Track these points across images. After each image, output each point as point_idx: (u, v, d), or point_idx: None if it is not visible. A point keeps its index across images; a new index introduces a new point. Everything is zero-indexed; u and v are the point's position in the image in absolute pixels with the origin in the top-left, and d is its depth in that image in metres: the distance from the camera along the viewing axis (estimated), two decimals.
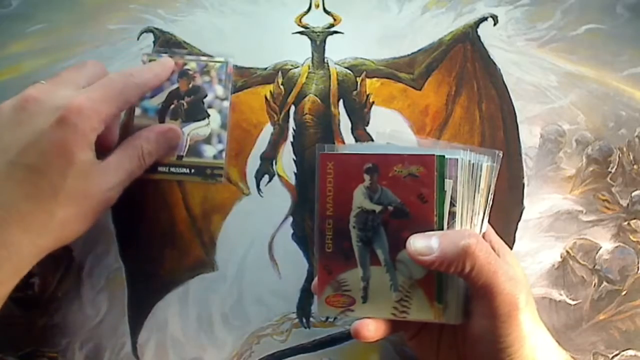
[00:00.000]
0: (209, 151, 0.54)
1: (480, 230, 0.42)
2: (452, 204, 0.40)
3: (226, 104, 0.55)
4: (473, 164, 0.41)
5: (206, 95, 0.55)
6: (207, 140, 0.54)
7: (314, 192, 0.41)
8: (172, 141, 0.51)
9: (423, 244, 0.38)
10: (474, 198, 0.41)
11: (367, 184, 0.39)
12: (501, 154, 0.41)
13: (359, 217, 0.39)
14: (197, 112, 0.54)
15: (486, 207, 0.42)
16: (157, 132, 0.50)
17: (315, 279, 0.43)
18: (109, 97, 0.44)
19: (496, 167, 0.41)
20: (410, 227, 0.39)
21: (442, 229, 0.40)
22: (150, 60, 0.55)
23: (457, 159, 0.40)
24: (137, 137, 0.48)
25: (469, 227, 0.41)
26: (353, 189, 0.40)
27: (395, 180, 0.39)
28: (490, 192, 0.41)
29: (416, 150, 0.42)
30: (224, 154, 0.54)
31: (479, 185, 0.41)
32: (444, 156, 0.40)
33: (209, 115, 0.54)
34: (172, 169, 0.53)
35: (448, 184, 0.40)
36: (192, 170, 0.53)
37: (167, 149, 0.51)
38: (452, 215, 0.40)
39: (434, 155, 0.39)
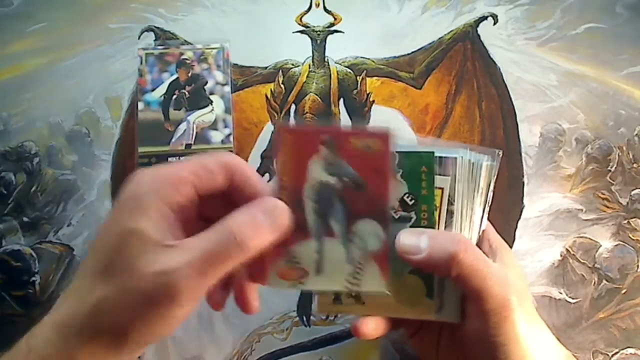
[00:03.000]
0: (217, 137, 0.54)
1: (480, 229, 0.42)
2: (450, 202, 0.40)
3: (227, 88, 0.55)
4: (473, 162, 0.41)
5: (206, 82, 0.55)
6: (213, 126, 0.54)
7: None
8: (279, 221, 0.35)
9: (412, 242, 0.38)
10: (474, 197, 0.41)
11: (324, 155, 0.38)
12: (501, 153, 0.41)
13: (314, 188, 0.38)
14: (199, 100, 0.55)
15: (485, 205, 0.42)
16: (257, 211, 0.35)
17: None
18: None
19: (496, 166, 0.41)
20: (366, 199, 0.38)
21: (433, 226, 0.40)
22: (146, 55, 0.55)
23: (456, 158, 0.40)
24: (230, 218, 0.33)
25: (468, 225, 0.41)
26: (309, 161, 0.39)
27: (351, 152, 0.38)
28: (490, 191, 0.41)
29: (412, 147, 0.42)
30: (231, 138, 0.54)
31: (479, 184, 0.41)
32: (433, 152, 0.40)
33: (211, 102, 0.55)
34: (182, 159, 0.53)
35: (442, 181, 0.40)
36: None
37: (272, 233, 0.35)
38: (450, 213, 0.40)
39: (388, 129, 0.39)
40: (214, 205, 0.36)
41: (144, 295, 0.30)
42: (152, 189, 0.33)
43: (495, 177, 0.41)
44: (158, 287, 0.30)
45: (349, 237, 0.38)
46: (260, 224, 0.33)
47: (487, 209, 0.42)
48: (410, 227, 0.40)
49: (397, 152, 0.40)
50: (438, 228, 0.40)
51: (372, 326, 0.41)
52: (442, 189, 0.41)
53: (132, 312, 0.31)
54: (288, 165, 0.39)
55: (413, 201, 0.40)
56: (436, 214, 0.40)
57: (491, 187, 0.41)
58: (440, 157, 0.40)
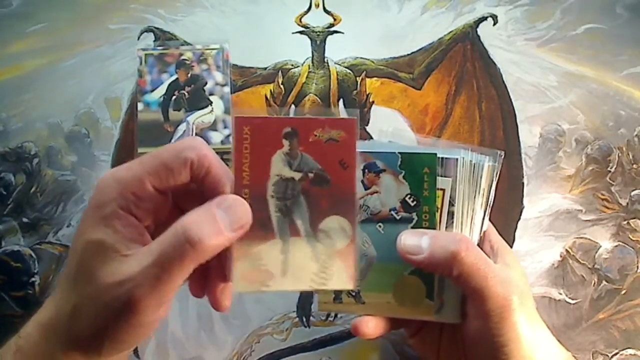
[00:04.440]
0: (216, 137, 0.54)
1: (481, 229, 0.42)
2: (451, 204, 0.41)
3: (227, 89, 0.55)
4: (474, 163, 0.41)
5: (206, 83, 0.55)
6: (213, 126, 0.54)
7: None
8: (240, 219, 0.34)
9: (413, 243, 0.39)
10: (475, 197, 0.41)
11: (286, 149, 0.36)
12: (502, 154, 0.41)
13: (277, 185, 0.36)
14: (199, 101, 0.55)
15: (487, 206, 0.42)
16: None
17: None
18: None
19: (497, 167, 0.42)
20: (332, 194, 0.37)
21: (435, 227, 0.40)
22: (146, 55, 0.55)
23: (457, 159, 0.40)
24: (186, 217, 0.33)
25: (469, 226, 0.41)
26: (271, 156, 0.37)
27: (315, 145, 0.36)
28: (492, 192, 0.41)
29: (415, 149, 0.42)
30: (231, 139, 0.54)
31: (480, 185, 0.41)
32: (435, 154, 0.40)
33: (211, 102, 0.55)
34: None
35: (444, 182, 0.40)
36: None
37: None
38: (450, 214, 0.41)
39: (354, 118, 0.37)
40: (187, 196, 0.35)
41: (106, 306, 0.31)
42: (114, 197, 0.32)
43: (497, 177, 0.41)
44: (117, 297, 0.30)
45: (315, 235, 0.37)
46: (218, 222, 0.32)
47: (488, 209, 0.42)
48: (412, 228, 0.40)
49: (399, 153, 0.40)
50: (439, 229, 0.40)
51: (372, 326, 0.41)
52: (443, 190, 0.41)
53: (101, 321, 0.31)
54: (248, 161, 0.36)
55: (415, 202, 0.40)
56: (437, 215, 0.40)
57: (493, 188, 0.41)
58: (442, 158, 0.40)
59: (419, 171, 0.40)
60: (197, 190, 0.34)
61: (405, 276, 0.41)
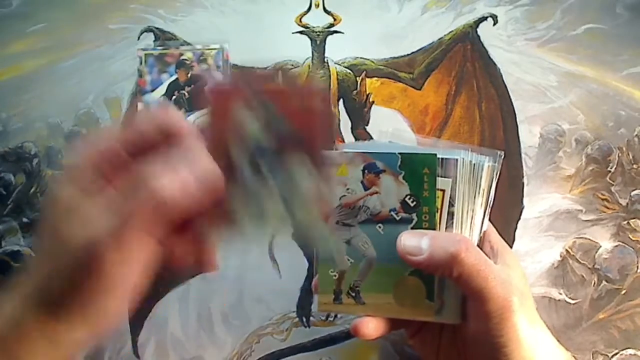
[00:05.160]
0: None
1: (481, 230, 0.42)
2: (451, 204, 0.40)
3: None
4: (474, 164, 0.41)
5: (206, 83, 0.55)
6: None
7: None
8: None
9: (413, 244, 0.39)
10: (475, 198, 0.41)
11: (251, 105, 0.37)
12: (502, 154, 0.41)
13: (245, 140, 0.37)
14: (199, 101, 0.55)
15: (487, 207, 0.42)
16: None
17: (315, 277, 0.43)
18: None
19: (497, 167, 0.41)
20: (296, 145, 0.37)
21: (434, 228, 0.40)
22: (145, 55, 0.55)
23: (457, 159, 0.40)
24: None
25: (469, 227, 0.41)
26: (237, 113, 0.37)
27: (276, 96, 0.37)
28: (492, 192, 0.41)
29: (415, 149, 0.42)
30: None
31: (480, 185, 0.41)
32: (435, 154, 0.40)
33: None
34: None
35: (444, 182, 0.40)
36: None
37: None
38: (450, 215, 0.40)
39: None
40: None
41: (71, 260, 0.30)
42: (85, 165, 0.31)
43: (497, 178, 0.41)
44: (81, 248, 0.30)
45: (283, 183, 0.37)
46: (188, 183, 0.30)
47: (488, 210, 0.42)
48: (411, 228, 0.40)
49: (399, 153, 0.40)
50: (439, 229, 0.40)
51: (372, 327, 0.41)
52: (443, 190, 0.41)
53: (66, 280, 0.30)
54: (216, 121, 0.37)
55: (415, 203, 0.40)
56: (437, 215, 0.40)
57: (492, 188, 0.41)
58: (441, 159, 0.40)
59: (418, 172, 0.40)
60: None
61: (405, 277, 0.41)
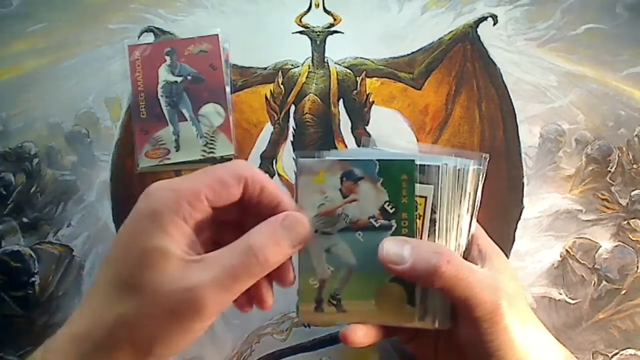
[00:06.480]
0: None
1: (469, 234, 0.41)
2: (433, 211, 0.40)
3: (227, 89, 0.55)
4: (459, 169, 0.40)
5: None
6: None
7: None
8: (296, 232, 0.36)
9: (395, 251, 0.38)
10: (460, 203, 0.40)
11: (169, 62, 0.54)
12: (487, 157, 0.41)
13: (164, 87, 0.54)
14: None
15: (474, 210, 0.41)
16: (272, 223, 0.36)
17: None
18: None
19: (483, 170, 0.41)
20: (206, 89, 0.54)
21: (413, 235, 0.39)
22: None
23: (439, 166, 0.40)
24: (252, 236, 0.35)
25: (454, 233, 0.40)
26: (158, 68, 0.55)
27: (190, 57, 0.55)
28: (478, 195, 0.41)
29: (394, 155, 0.42)
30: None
31: (465, 189, 0.40)
32: (413, 160, 0.40)
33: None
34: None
35: (425, 189, 0.40)
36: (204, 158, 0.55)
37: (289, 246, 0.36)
38: (432, 222, 0.40)
39: (216, 34, 0.55)
40: (226, 211, 0.36)
41: (170, 311, 0.31)
42: (170, 206, 0.33)
43: (484, 180, 0.41)
44: (184, 302, 0.31)
45: (197, 119, 0.53)
46: (281, 241, 0.35)
47: (475, 213, 0.41)
48: (391, 235, 0.39)
49: (377, 160, 0.40)
50: (421, 237, 0.40)
51: (361, 334, 0.40)
52: (425, 197, 0.40)
53: (156, 327, 0.32)
54: (142, 74, 0.54)
55: (393, 209, 0.40)
56: (419, 222, 0.40)
57: (479, 191, 0.41)
58: (422, 166, 0.40)
59: (397, 178, 0.39)
60: (237, 206, 0.37)
61: (386, 283, 0.40)
